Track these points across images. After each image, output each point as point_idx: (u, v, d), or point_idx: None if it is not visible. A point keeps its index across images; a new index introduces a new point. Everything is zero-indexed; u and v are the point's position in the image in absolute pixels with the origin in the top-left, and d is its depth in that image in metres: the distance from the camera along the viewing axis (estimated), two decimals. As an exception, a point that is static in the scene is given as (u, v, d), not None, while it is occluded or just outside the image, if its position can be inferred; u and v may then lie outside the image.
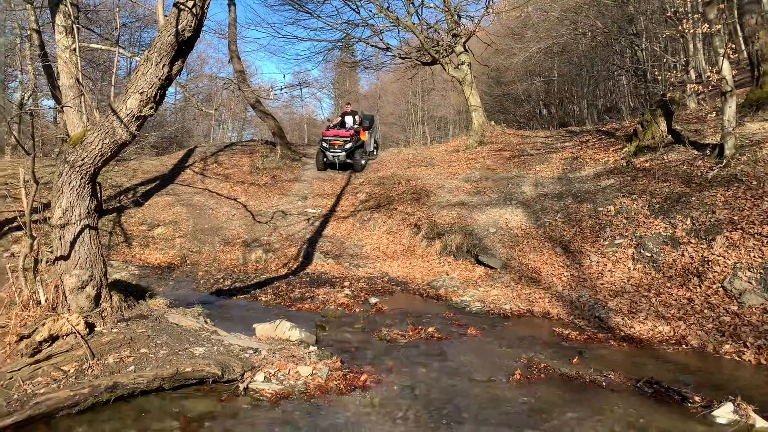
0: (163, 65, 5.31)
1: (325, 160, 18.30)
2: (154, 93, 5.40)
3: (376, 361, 6.08)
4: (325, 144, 18.23)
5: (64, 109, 8.17)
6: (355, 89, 49.25)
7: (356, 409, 4.74)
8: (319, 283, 10.26)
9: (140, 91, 5.33)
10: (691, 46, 15.66)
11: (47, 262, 5.73)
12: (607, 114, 27.65)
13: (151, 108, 5.47)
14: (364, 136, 18.58)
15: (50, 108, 24.39)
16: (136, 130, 5.53)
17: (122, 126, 5.39)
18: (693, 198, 9.40)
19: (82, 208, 5.66)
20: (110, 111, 5.42)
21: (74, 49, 7.71)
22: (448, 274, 10.67)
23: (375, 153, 19.82)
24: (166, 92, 5.75)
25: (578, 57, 28.43)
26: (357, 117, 19.10)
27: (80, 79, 8.03)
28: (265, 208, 15.85)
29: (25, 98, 21.17)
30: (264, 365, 5.44)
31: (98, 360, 5.00)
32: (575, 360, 6.22)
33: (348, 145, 17.86)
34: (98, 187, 5.96)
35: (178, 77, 5.66)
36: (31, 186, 5.51)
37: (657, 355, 6.57)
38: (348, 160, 18.01)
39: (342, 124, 18.96)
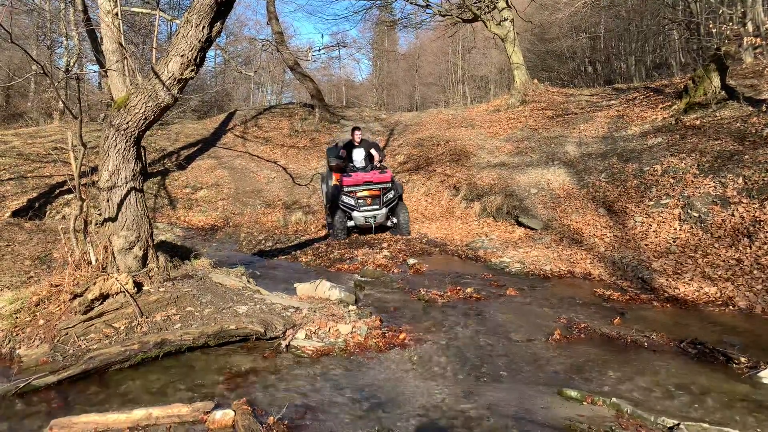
0: (203, 27, 5.32)
1: (351, 224, 11.01)
2: (194, 55, 5.43)
3: (414, 321, 6.13)
4: (348, 200, 10.77)
5: (108, 73, 8.31)
6: (394, 49, 48.54)
7: (395, 366, 4.82)
8: (357, 245, 10.35)
9: (181, 54, 5.37)
10: (749, -5, 14.80)
11: (96, 223, 5.93)
12: (656, 70, 26.59)
13: (192, 70, 5.51)
14: None
15: (95, 72, 24.93)
16: (177, 92, 5.60)
17: (164, 89, 5.46)
18: (746, 156, 9.03)
19: (128, 171, 5.80)
20: (152, 74, 5.49)
21: (116, 13, 7.78)
22: (487, 236, 10.60)
23: None
24: (206, 55, 5.78)
25: (626, 11, 27.23)
26: (374, 151, 11.52)
27: (122, 43, 8.14)
28: (305, 170, 15.99)
29: (71, 63, 21.67)
30: (305, 323, 5.57)
31: (146, 318, 5.20)
32: (616, 321, 6.15)
33: (389, 195, 10.97)
34: (143, 151, 6.10)
35: (217, 39, 5.68)
36: (80, 150, 5.67)
37: (702, 316, 6.43)
38: (388, 223, 11.30)
39: (348, 160, 11.44)
